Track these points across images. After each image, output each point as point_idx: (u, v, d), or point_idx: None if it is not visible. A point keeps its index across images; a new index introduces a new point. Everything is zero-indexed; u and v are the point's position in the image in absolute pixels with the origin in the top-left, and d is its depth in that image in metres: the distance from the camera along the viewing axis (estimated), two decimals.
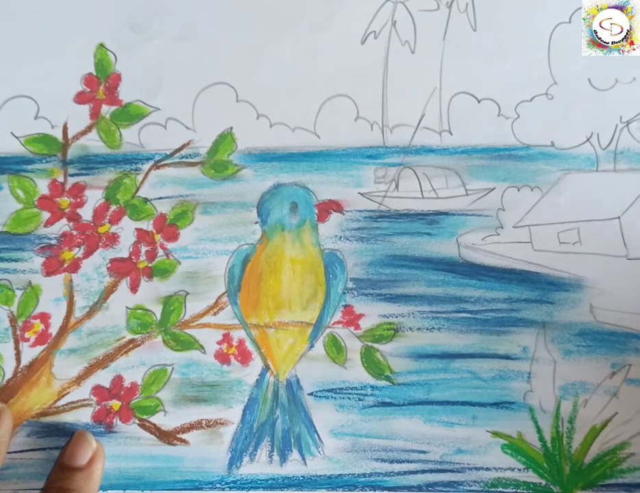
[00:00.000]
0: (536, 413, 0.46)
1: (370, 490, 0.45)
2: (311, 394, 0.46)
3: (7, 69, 0.47)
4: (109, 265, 0.46)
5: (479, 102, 0.48)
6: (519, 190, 0.47)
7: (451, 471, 0.45)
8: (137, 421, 0.45)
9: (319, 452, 0.45)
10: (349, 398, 0.45)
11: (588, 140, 0.47)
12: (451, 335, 0.46)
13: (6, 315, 0.46)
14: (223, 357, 0.46)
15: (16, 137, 0.47)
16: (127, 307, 0.46)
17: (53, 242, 0.46)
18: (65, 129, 0.47)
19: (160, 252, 0.46)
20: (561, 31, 0.47)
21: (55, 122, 0.47)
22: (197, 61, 0.47)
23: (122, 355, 0.46)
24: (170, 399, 0.45)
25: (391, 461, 0.45)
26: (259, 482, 0.45)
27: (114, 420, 0.45)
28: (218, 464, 0.45)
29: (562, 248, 0.47)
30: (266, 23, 0.47)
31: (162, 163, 0.47)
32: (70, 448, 0.43)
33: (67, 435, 0.45)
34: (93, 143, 0.47)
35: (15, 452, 0.45)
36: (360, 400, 0.45)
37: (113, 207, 0.47)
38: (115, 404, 0.45)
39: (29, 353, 0.46)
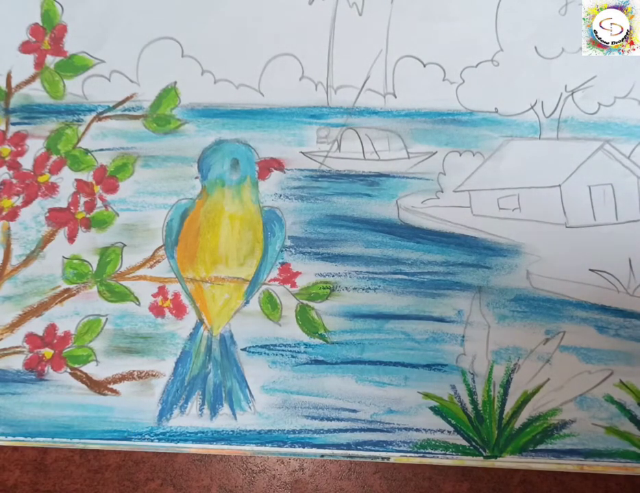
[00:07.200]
0: (468, 377, 0.46)
1: (299, 447, 0.45)
2: (244, 349, 0.46)
3: None
4: (47, 214, 0.46)
5: (424, 66, 0.48)
6: (460, 155, 0.47)
7: (381, 431, 0.45)
8: (68, 370, 0.45)
9: (250, 407, 0.45)
10: (282, 355, 0.45)
11: (532, 107, 0.47)
12: (387, 296, 0.46)
13: None
14: (157, 310, 0.46)
15: None
16: (63, 257, 0.46)
17: None
18: (9, 77, 0.47)
19: (99, 203, 0.46)
20: None
21: None
22: (144, 14, 0.47)
23: (56, 303, 0.46)
24: (102, 349, 0.45)
25: (321, 419, 0.45)
26: (188, 434, 0.45)
27: (46, 368, 0.45)
28: (148, 415, 0.45)
29: (502, 214, 0.47)
30: None
31: (105, 115, 0.47)
32: None
33: None
34: (36, 93, 0.47)
35: None
36: (293, 357, 0.45)
37: (54, 157, 0.47)
38: (47, 352, 0.45)
39: None
